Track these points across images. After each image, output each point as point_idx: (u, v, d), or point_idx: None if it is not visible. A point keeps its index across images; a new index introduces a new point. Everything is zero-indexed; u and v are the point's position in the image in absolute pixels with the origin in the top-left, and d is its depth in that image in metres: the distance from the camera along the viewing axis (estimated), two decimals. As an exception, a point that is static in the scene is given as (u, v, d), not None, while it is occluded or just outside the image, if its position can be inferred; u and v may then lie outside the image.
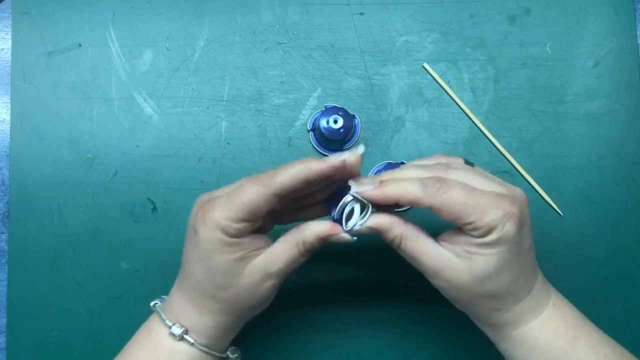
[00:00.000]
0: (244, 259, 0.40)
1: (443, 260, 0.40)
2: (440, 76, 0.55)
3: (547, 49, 0.56)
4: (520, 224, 0.38)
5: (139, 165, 0.54)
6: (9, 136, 0.54)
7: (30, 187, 0.53)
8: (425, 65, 0.55)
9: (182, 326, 0.42)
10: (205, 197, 0.42)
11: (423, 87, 0.55)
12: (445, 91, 0.55)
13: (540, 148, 0.55)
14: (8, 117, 0.54)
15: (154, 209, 0.53)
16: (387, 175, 0.41)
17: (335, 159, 0.38)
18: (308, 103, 0.55)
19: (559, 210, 0.54)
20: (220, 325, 0.42)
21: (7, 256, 0.53)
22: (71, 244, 0.53)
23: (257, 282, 0.41)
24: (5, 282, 0.53)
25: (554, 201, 0.54)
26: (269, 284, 0.41)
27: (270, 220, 0.44)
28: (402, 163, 0.52)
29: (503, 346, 0.43)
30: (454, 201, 0.38)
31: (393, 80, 0.55)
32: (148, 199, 0.53)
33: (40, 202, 0.53)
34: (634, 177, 0.55)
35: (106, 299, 0.53)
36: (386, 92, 0.55)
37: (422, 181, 0.38)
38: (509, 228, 0.38)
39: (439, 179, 0.38)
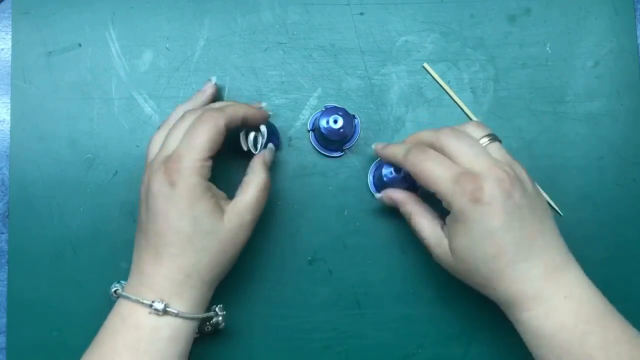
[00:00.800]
0: (217, 205, 0.43)
1: (435, 238, 0.45)
2: (440, 76, 0.55)
3: (547, 49, 0.56)
4: (475, 198, 0.40)
5: (139, 165, 0.54)
6: (9, 136, 0.54)
7: (30, 187, 0.53)
8: (425, 65, 0.55)
9: (162, 300, 0.41)
10: (159, 157, 0.43)
11: (423, 87, 0.55)
12: (445, 91, 0.55)
13: (540, 148, 0.55)
14: (8, 117, 0.54)
15: (154, 209, 0.53)
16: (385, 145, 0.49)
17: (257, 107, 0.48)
18: (308, 103, 0.55)
19: (559, 210, 0.54)
20: (205, 284, 0.43)
21: (7, 256, 0.53)
22: (71, 244, 0.53)
23: (237, 224, 0.43)
24: (5, 282, 0.53)
25: (554, 201, 0.54)
26: (247, 225, 0.44)
27: None
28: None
29: (518, 330, 0.43)
30: (423, 169, 0.43)
31: (393, 80, 0.55)
32: (148, 199, 0.53)
33: (40, 202, 0.53)
34: (634, 177, 0.55)
35: (106, 299, 0.53)
36: (386, 92, 0.55)
37: (409, 149, 0.44)
38: (462, 202, 0.41)
39: (422, 150, 0.43)
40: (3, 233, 0.54)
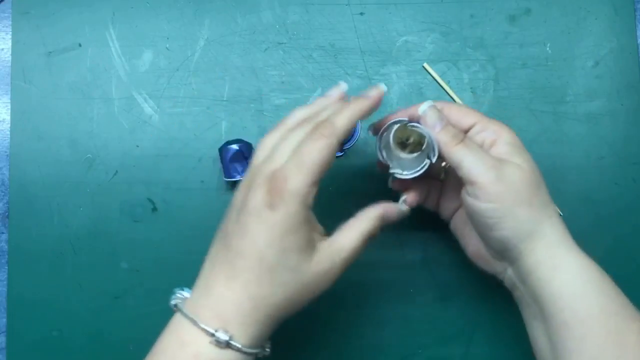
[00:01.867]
0: (310, 242, 0.39)
1: (486, 164, 0.41)
2: (440, 76, 0.55)
3: (547, 49, 0.56)
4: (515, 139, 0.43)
5: (139, 165, 0.54)
6: (9, 136, 0.54)
7: (30, 187, 0.53)
8: (425, 65, 0.55)
9: (227, 331, 0.37)
10: (264, 168, 0.39)
11: (423, 87, 0.55)
12: (445, 91, 0.55)
13: (540, 148, 0.55)
14: (8, 117, 0.54)
15: (154, 209, 0.53)
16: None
17: (375, 92, 0.43)
18: (308, 103, 0.55)
19: (559, 210, 0.54)
20: (271, 320, 0.39)
21: (7, 256, 0.53)
22: (71, 244, 0.53)
23: (324, 269, 0.39)
24: (5, 282, 0.53)
25: (554, 201, 0.54)
26: (334, 271, 0.40)
27: None
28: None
29: (554, 283, 0.41)
30: (461, 108, 0.44)
31: (393, 80, 0.55)
32: (148, 199, 0.53)
33: (40, 202, 0.53)
34: (634, 177, 0.55)
35: (106, 299, 0.53)
36: (386, 92, 0.55)
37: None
38: (510, 131, 0.43)
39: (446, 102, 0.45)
40: (3, 233, 0.54)
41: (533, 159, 0.43)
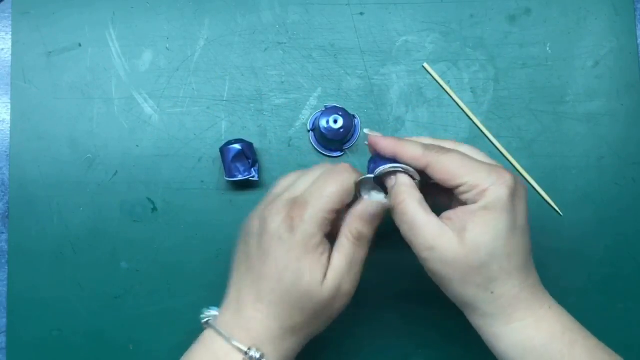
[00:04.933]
0: (323, 265, 0.41)
1: (440, 230, 0.40)
2: (440, 76, 0.55)
3: (547, 49, 0.56)
4: (512, 193, 0.40)
5: (139, 165, 0.54)
6: (9, 136, 0.54)
7: (30, 187, 0.53)
8: (425, 65, 0.55)
9: (259, 350, 0.39)
10: (284, 196, 0.42)
11: (423, 87, 0.55)
12: (445, 91, 0.55)
13: (540, 148, 0.55)
14: (8, 117, 0.54)
15: (154, 209, 0.53)
16: (398, 139, 0.44)
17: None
18: (308, 103, 0.55)
19: (559, 210, 0.54)
20: (299, 340, 0.42)
21: (7, 256, 0.53)
22: (71, 244, 0.53)
23: (335, 287, 0.41)
24: (5, 282, 0.53)
25: (554, 201, 0.54)
26: (346, 290, 0.42)
27: None
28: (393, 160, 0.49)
29: (497, 346, 0.42)
30: (450, 162, 0.41)
31: (393, 80, 0.55)
32: (148, 199, 0.54)
33: (40, 202, 0.53)
34: (634, 177, 0.55)
35: (106, 299, 0.53)
36: (386, 92, 0.55)
37: (425, 146, 0.42)
38: (503, 192, 0.39)
39: (440, 148, 0.42)
40: (3, 233, 0.54)
41: (509, 222, 0.40)
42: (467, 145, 0.44)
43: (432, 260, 0.41)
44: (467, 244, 0.40)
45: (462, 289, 0.41)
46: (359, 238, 0.42)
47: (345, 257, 0.42)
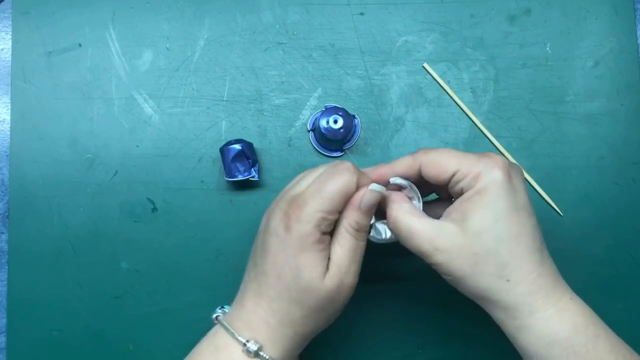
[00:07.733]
0: (323, 261, 0.41)
1: (437, 229, 0.40)
2: (440, 76, 0.55)
3: (547, 49, 0.56)
4: (508, 174, 0.40)
5: (139, 165, 0.54)
6: (9, 136, 0.54)
7: (30, 187, 0.53)
8: (425, 65, 0.55)
9: (257, 342, 0.40)
10: (287, 194, 0.42)
11: (423, 87, 0.55)
12: (445, 91, 0.55)
13: (540, 148, 0.55)
14: (8, 117, 0.54)
15: (154, 209, 0.53)
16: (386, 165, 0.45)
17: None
18: (308, 103, 0.55)
19: (559, 210, 0.54)
20: (298, 336, 0.42)
21: (7, 256, 0.53)
22: (71, 244, 0.53)
23: (335, 286, 0.41)
24: (5, 282, 0.53)
25: (554, 201, 0.54)
26: (346, 287, 0.41)
27: None
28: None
29: (520, 339, 0.40)
30: (440, 155, 0.41)
31: (393, 80, 0.55)
32: (148, 199, 0.54)
33: (40, 202, 0.53)
34: (634, 177, 0.55)
35: (106, 299, 0.53)
36: (386, 92, 0.55)
37: (413, 153, 0.43)
38: (496, 173, 0.39)
39: (428, 148, 0.43)
40: (3, 233, 0.54)
41: (508, 208, 0.39)
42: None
43: (442, 262, 0.40)
44: (469, 232, 0.39)
45: (476, 282, 0.40)
46: (358, 229, 0.42)
47: (347, 250, 0.41)
